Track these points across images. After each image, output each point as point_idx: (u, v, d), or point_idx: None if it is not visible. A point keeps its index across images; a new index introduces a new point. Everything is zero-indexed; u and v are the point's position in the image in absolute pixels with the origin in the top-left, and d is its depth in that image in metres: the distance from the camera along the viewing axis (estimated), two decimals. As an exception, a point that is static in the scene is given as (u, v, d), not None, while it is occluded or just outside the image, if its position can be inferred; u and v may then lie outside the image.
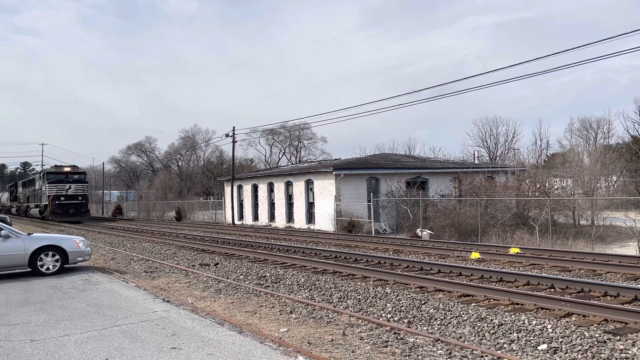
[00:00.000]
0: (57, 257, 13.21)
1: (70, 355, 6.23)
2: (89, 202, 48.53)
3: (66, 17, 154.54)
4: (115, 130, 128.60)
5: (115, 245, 22.10)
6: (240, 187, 40.22)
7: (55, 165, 49.92)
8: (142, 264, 15.52)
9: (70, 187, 45.33)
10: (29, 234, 14.03)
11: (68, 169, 47.37)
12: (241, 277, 12.78)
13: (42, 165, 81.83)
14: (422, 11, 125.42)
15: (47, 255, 13.11)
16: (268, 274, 12.92)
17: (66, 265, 13.43)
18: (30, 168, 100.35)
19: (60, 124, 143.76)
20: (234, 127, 40.76)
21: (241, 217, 39.58)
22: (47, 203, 44.66)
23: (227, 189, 41.76)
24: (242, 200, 39.90)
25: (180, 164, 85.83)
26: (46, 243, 13.26)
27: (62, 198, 44.37)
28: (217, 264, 15.21)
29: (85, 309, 8.88)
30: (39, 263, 12.97)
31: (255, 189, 37.98)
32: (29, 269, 13.02)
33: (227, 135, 41.33)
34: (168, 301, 9.47)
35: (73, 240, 13.84)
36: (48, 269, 13.05)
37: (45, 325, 7.74)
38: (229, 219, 40.29)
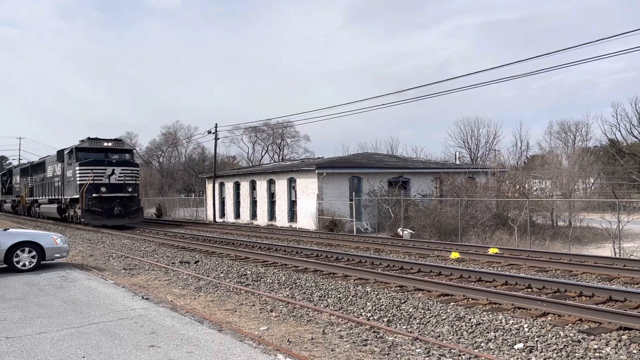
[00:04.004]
0: (34, 253, 13.00)
1: (47, 353, 6.15)
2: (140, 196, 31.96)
3: (45, 8, 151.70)
4: (96, 124, 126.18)
5: (93, 242, 21.81)
6: (222, 185, 39.99)
7: (89, 138, 30.44)
8: (121, 261, 15.35)
9: (113, 172, 29.06)
10: (5, 230, 13.81)
11: (109, 144, 30.56)
12: (221, 275, 12.72)
13: (20, 159, 79.92)
14: (407, 10, 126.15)
15: (23, 251, 12.88)
16: (249, 272, 12.88)
17: (43, 261, 13.22)
18: (7, 162, 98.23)
19: (38, 117, 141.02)
20: (216, 124, 40.55)
21: (223, 214, 39.36)
22: (76, 196, 28.96)
23: (209, 186, 41.49)
24: (223, 198, 39.67)
25: (161, 160, 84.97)
26: (22, 239, 13.03)
27: (103, 189, 28.42)
28: (198, 261, 15.12)
29: (62, 306, 8.76)
30: (14, 259, 12.74)
31: (237, 186, 37.80)
32: (4, 265, 12.77)
33: (209, 132, 41.04)
34: (147, 299, 9.39)
35: (50, 237, 13.63)
36: (24, 265, 12.83)
37: (21, 323, 7.61)
38: (210, 217, 40.04)
